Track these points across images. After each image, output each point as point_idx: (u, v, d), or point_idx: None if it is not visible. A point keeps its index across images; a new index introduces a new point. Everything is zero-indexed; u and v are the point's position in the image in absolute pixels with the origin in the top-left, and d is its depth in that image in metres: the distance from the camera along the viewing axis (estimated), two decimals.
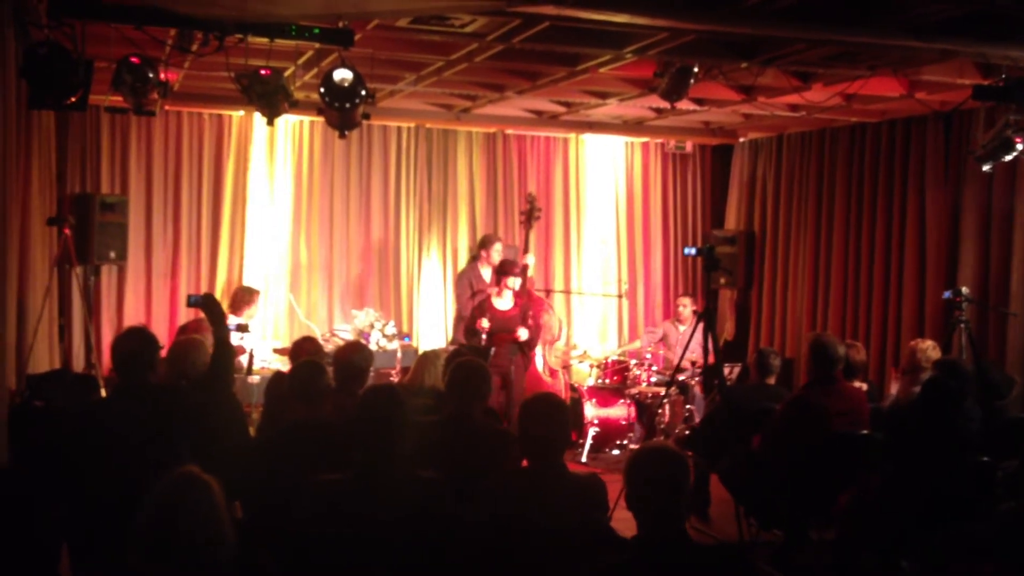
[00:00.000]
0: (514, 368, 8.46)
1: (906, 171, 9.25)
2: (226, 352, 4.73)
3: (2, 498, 4.35)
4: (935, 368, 6.15)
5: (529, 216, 9.19)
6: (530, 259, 9.05)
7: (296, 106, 6.36)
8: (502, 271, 8.68)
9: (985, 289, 8.51)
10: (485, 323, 8.35)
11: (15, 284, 6.15)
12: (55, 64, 5.44)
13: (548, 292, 10.72)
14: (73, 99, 5.70)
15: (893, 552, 5.42)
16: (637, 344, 10.63)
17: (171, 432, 4.41)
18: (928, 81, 7.45)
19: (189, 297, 5.00)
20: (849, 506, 5.55)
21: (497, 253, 9.29)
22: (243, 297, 9.08)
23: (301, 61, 7.11)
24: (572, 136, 11.13)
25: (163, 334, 9.47)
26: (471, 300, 9.04)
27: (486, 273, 9.26)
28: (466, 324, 8.63)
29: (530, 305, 8.78)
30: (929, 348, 6.70)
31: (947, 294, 7.70)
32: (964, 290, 7.55)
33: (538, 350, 8.92)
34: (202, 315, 8.36)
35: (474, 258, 9.53)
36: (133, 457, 4.24)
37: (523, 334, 8.50)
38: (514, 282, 8.59)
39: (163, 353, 4.81)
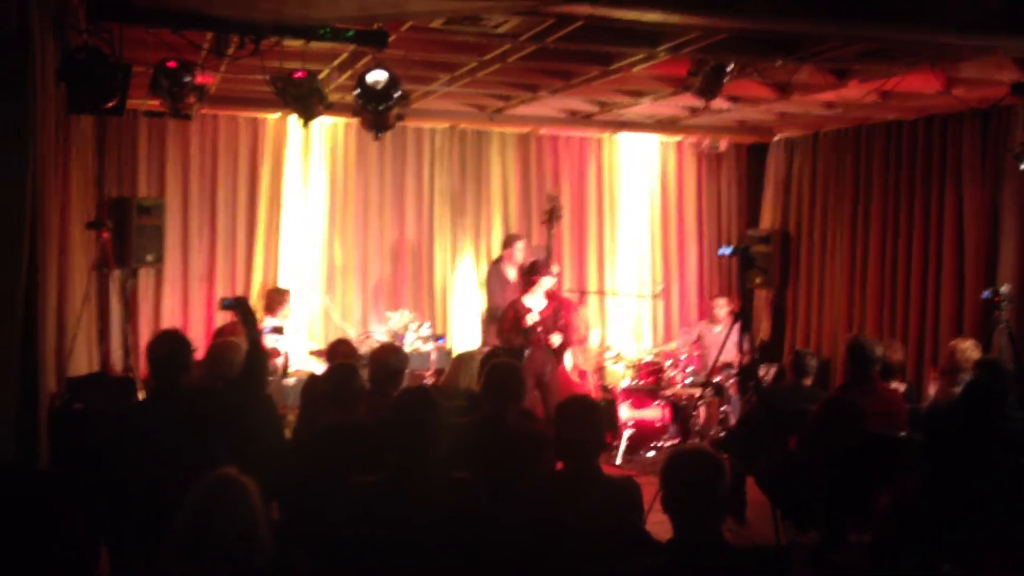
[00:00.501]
0: (549, 369, 8.44)
1: (944, 169, 9.14)
2: (259, 354, 4.76)
3: (42, 500, 4.40)
4: (976, 368, 6.07)
5: (551, 216, 9.15)
6: (555, 268, 8.96)
7: (331, 108, 6.40)
8: (533, 271, 8.65)
9: None
10: (535, 316, 8.34)
11: (55, 287, 6.21)
12: (93, 69, 5.49)
13: (582, 293, 10.71)
14: (111, 103, 5.75)
15: (932, 555, 5.36)
16: (673, 345, 10.59)
17: (207, 434, 4.45)
18: (966, 77, 7.36)
19: (222, 300, 5.04)
20: (887, 508, 5.50)
21: (520, 252, 9.28)
22: (276, 298, 9.13)
23: (336, 63, 7.14)
24: (605, 136, 11.10)
25: (200, 336, 9.55)
26: (504, 302, 9.03)
27: (511, 273, 9.26)
28: (506, 324, 8.62)
29: (561, 306, 8.76)
30: (969, 348, 6.61)
31: (986, 294, 7.60)
32: (1004, 289, 7.44)
33: (556, 338, 8.82)
34: (235, 321, 8.46)
35: (498, 259, 9.53)
36: (170, 460, 4.28)
37: (556, 340, 8.46)
38: (548, 281, 8.58)
39: (197, 356, 4.85)
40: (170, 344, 4.63)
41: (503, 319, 8.66)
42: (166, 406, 4.49)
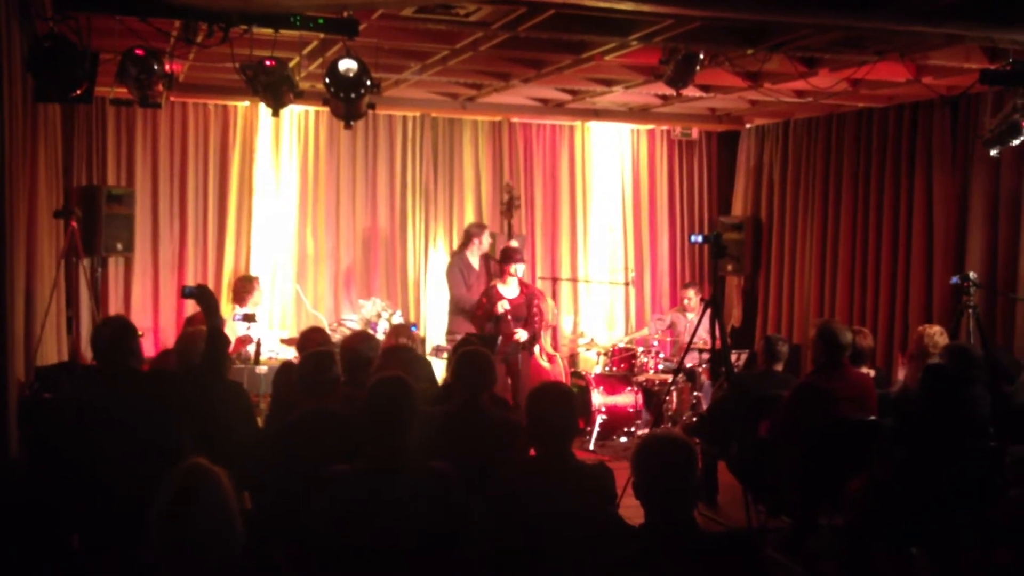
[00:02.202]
0: (519, 357, 8.48)
1: (913, 156, 9.22)
2: (219, 342, 4.74)
3: (12, 489, 4.38)
4: (944, 353, 6.13)
5: (509, 206, 9.17)
6: (513, 243, 9.06)
7: (301, 96, 6.37)
8: (507, 258, 8.72)
9: (993, 274, 8.49)
10: (505, 305, 8.43)
11: (23, 277, 6.15)
12: (60, 57, 5.43)
13: (555, 280, 10.73)
14: (78, 92, 5.70)
15: (902, 538, 5.42)
16: (645, 332, 10.64)
17: (166, 415, 4.46)
18: (935, 66, 7.42)
19: (184, 288, 5.01)
20: (858, 492, 5.54)
21: (487, 240, 9.35)
22: (243, 287, 9.10)
23: (306, 51, 7.10)
24: (578, 124, 11.11)
25: (170, 325, 9.53)
26: (468, 290, 9.07)
27: (474, 261, 9.27)
28: (479, 312, 8.67)
29: (533, 295, 8.80)
30: (936, 334, 6.67)
31: (955, 279, 7.67)
32: (972, 275, 7.52)
33: (522, 333, 8.85)
34: None
35: (462, 246, 9.54)
36: (131, 442, 4.30)
37: (522, 335, 8.53)
38: (517, 268, 8.66)
39: (168, 344, 4.84)
40: (114, 330, 4.62)
41: (477, 306, 8.69)
42: (116, 390, 4.48)
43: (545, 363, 9.07)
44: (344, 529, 3.59)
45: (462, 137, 10.79)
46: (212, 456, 2.98)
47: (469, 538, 3.74)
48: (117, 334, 4.59)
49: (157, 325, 9.70)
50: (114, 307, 9.51)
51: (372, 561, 3.56)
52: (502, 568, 3.72)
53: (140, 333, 4.70)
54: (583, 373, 9.64)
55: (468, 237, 9.42)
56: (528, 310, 8.60)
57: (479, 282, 9.25)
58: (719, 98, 9.42)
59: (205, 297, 4.82)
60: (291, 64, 6.73)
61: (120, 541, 4.24)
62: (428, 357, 10.00)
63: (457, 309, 9.20)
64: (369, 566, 3.56)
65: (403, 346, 6.59)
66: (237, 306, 8.91)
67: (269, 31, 5.82)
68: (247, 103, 9.71)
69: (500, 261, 8.86)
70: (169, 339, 9.08)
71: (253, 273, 9.72)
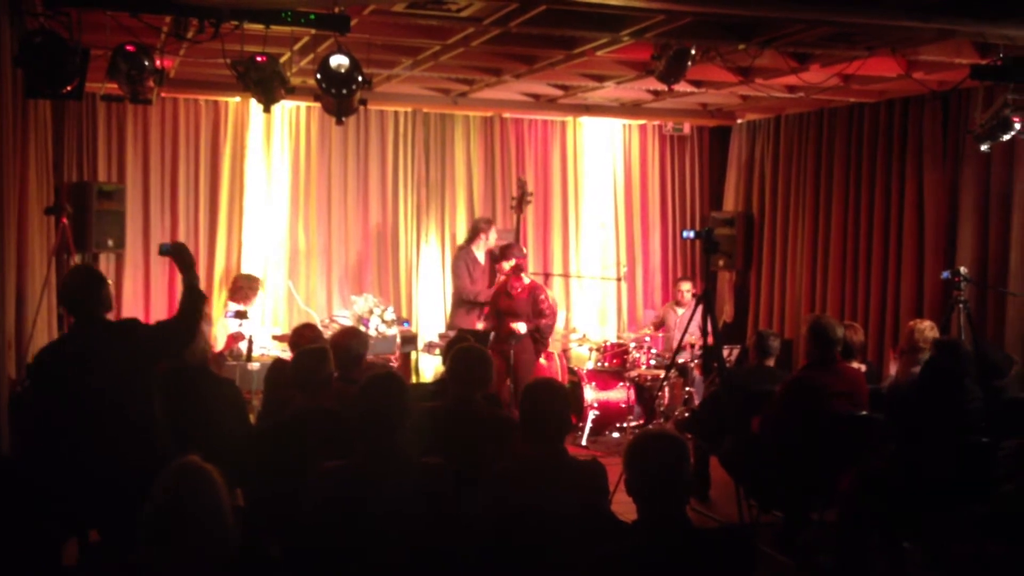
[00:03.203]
0: (522, 352, 8.50)
1: (904, 151, 9.23)
2: (194, 297, 4.74)
3: (5, 484, 4.37)
4: (935, 348, 6.15)
5: (520, 201, 9.17)
6: (491, 238, 9.07)
7: (292, 92, 6.34)
8: (503, 255, 8.76)
9: (984, 269, 8.51)
10: (522, 327, 8.53)
11: (13, 273, 6.14)
12: (51, 53, 5.41)
13: (547, 276, 10.73)
14: (69, 88, 5.67)
15: (895, 533, 5.44)
16: (647, 331, 10.64)
17: (133, 362, 4.52)
18: (926, 61, 7.43)
19: (161, 246, 5.02)
20: (850, 487, 5.56)
21: (495, 235, 9.37)
22: (245, 285, 9.05)
23: (297, 47, 7.09)
24: (570, 119, 11.10)
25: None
26: (473, 284, 9.10)
27: (479, 255, 9.29)
28: (488, 309, 8.74)
29: (540, 290, 8.81)
30: (927, 328, 6.70)
31: (946, 274, 7.69)
32: (963, 270, 7.54)
33: (521, 326, 8.84)
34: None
35: (468, 241, 9.55)
36: (98, 388, 4.39)
37: (521, 328, 8.53)
38: (507, 265, 8.69)
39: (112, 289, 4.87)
40: (84, 279, 4.65)
41: (494, 302, 8.73)
42: (85, 338, 4.51)
43: (542, 360, 9.07)
44: (336, 525, 3.59)
45: (454, 133, 10.78)
46: (205, 453, 2.97)
47: (461, 534, 3.75)
48: (85, 283, 4.60)
49: (148, 321, 9.65)
50: None
51: (364, 557, 3.56)
52: (494, 564, 3.72)
53: (109, 282, 4.71)
54: (575, 369, 9.65)
55: (476, 232, 9.46)
56: (534, 306, 8.62)
57: (484, 276, 9.32)
58: (710, 93, 9.42)
59: (181, 254, 4.84)
60: (282, 60, 6.72)
61: (90, 493, 4.27)
62: (420, 353, 10.06)
63: (460, 301, 9.24)
64: (361, 562, 3.56)
65: None
66: (231, 302, 8.88)
67: (260, 27, 5.80)
68: (238, 99, 9.68)
69: (500, 259, 8.89)
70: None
71: (246, 269, 9.70)
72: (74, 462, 4.37)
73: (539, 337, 8.73)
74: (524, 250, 9.19)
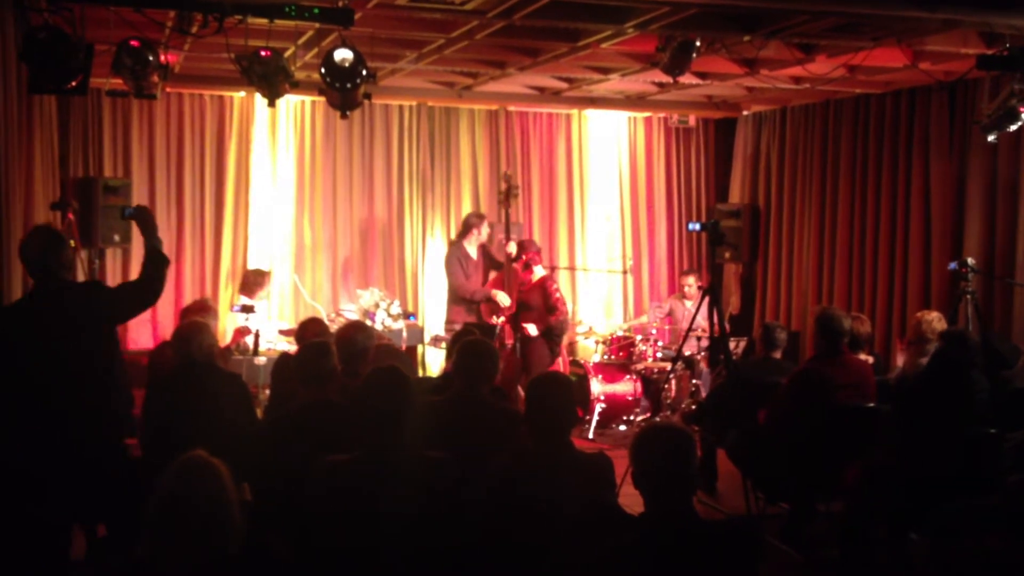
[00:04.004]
0: (533, 353, 8.51)
1: (911, 142, 9.21)
2: (156, 261, 4.73)
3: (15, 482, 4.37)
4: (942, 339, 6.13)
5: (507, 195, 9.16)
6: (511, 247, 8.98)
7: (297, 86, 6.34)
8: (520, 252, 8.80)
9: (991, 260, 8.48)
10: (504, 300, 8.49)
11: (20, 269, 6.15)
12: (55, 48, 5.42)
13: (553, 269, 10.71)
14: (73, 83, 5.69)
15: (901, 524, 5.43)
16: (644, 319, 10.64)
17: (90, 323, 4.52)
18: (932, 51, 7.40)
19: (123, 210, 5.03)
20: (856, 478, 5.55)
21: (487, 230, 9.36)
22: (255, 279, 9.02)
23: (301, 41, 7.08)
24: (575, 112, 11.09)
25: (168, 317, 9.51)
26: (467, 280, 9.08)
27: (472, 250, 9.27)
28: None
29: (551, 283, 8.80)
30: (935, 320, 6.68)
31: (953, 265, 7.68)
32: (970, 261, 7.53)
33: (532, 328, 8.84)
34: (204, 297, 8.41)
35: (460, 236, 9.52)
36: (52, 347, 4.39)
37: (533, 331, 8.53)
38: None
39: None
40: (44, 238, 4.62)
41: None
42: (51, 300, 4.52)
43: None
44: (340, 519, 3.59)
45: (459, 126, 10.77)
46: (212, 448, 2.98)
47: (466, 528, 3.75)
48: (44, 242, 4.58)
49: (155, 317, 9.69)
50: None
51: (369, 550, 3.57)
52: (499, 558, 3.73)
53: (72, 244, 4.71)
54: (581, 361, 9.64)
55: (467, 227, 9.41)
56: (544, 299, 8.61)
57: (477, 272, 9.26)
58: (716, 85, 9.40)
59: (143, 217, 4.85)
60: (286, 54, 6.71)
61: (38, 449, 4.31)
62: (427, 347, 10.06)
63: (455, 298, 9.21)
64: (366, 556, 3.56)
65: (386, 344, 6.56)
66: (242, 296, 8.88)
67: (264, 21, 5.81)
68: (243, 93, 9.68)
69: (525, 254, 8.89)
70: (166, 331, 9.08)
71: (252, 264, 9.71)
72: (31, 426, 4.37)
73: (556, 337, 8.72)
74: (537, 245, 9.18)
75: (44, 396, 4.39)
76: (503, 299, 8.61)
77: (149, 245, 4.74)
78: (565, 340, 9.64)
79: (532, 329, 8.56)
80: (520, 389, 8.10)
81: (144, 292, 4.75)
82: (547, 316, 8.66)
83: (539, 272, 8.80)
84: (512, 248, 8.87)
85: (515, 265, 8.76)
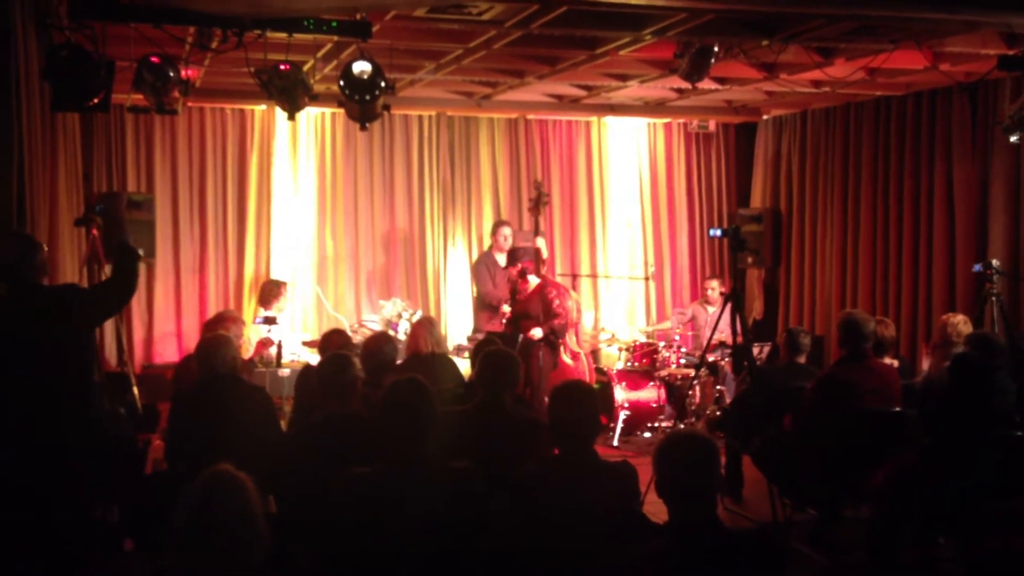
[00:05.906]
0: (541, 355, 8.46)
1: (932, 144, 9.16)
2: (127, 255, 4.74)
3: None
4: (967, 342, 6.09)
5: (537, 203, 9.16)
6: (540, 241, 9.00)
7: (316, 99, 6.38)
8: (511, 261, 8.77)
9: (1016, 261, 8.42)
10: (505, 308, 8.47)
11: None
12: (76, 66, 5.48)
13: (574, 277, 10.72)
14: (95, 100, 5.73)
15: (929, 529, 5.39)
16: (667, 324, 10.61)
17: (64, 328, 4.54)
18: (952, 52, 7.37)
19: (94, 206, 5.04)
20: (883, 484, 5.52)
21: (504, 238, 9.36)
22: (271, 291, 9.09)
23: (320, 54, 7.12)
24: (594, 119, 11.09)
25: (192, 329, 9.57)
26: (496, 288, 9.10)
27: (500, 258, 9.29)
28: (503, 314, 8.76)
29: (549, 290, 8.73)
30: (960, 323, 6.63)
31: (977, 267, 7.63)
32: (995, 263, 7.47)
33: (536, 331, 8.80)
34: (226, 310, 8.44)
35: (491, 246, 9.58)
36: (33, 352, 4.44)
37: (537, 333, 8.49)
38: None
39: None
40: (18, 244, 4.64)
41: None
42: (26, 304, 4.54)
43: (569, 360, 9.04)
44: (364, 531, 3.60)
45: (478, 135, 10.80)
46: (236, 460, 2.99)
47: (490, 537, 3.74)
48: (19, 247, 4.61)
49: (180, 329, 9.77)
50: (137, 312, 9.59)
51: (394, 561, 3.57)
52: (525, 567, 3.72)
53: (45, 248, 4.73)
54: (605, 369, 9.62)
55: (493, 235, 9.50)
56: (544, 307, 8.57)
57: (503, 279, 9.29)
58: (735, 90, 9.39)
59: (111, 211, 4.88)
60: (305, 67, 6.76)
61: (15, 452, 4.35)
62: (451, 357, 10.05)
63: (482, 305, 9.24)
64: (391, 567, 3.57)
65: (427, 353, 6.56)
66: (261, 308, 8.94)
67: (283, 35, 5.84)
68: (264, 107, 9.74)
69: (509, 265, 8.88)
70: (191, 343, 9.13)
71: (274, 276, 9.76)
72: (8, 430, 4.39)
73: (553, 339, 8.68)
74: (540, 251, 9.09)
75: (20, 399, 4.41)
76: (536, 333, 8.55)
77: (116, 240, 4.74)
78: (587, 347, 9.62)
79: (536, 332, 8.47)
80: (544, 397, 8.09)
81: (119, 290, 4.77)
82: (550, 323, 8.62)
83: (534, 281, 8.69)
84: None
85: (511, 271, 8.70)
